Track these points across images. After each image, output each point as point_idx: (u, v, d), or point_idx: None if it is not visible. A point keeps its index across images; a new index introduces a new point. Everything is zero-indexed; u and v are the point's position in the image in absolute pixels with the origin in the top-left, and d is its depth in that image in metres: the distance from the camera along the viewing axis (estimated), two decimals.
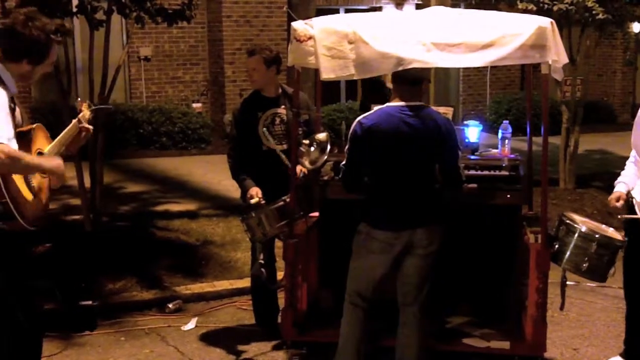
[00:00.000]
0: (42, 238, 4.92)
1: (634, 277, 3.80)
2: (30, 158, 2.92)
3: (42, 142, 3.10)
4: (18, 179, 2.91)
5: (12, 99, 2.96)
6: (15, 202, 2.85)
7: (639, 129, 3.76)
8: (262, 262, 4.23)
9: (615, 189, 3.84)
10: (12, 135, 2.84)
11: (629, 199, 3.79)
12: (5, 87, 2.92)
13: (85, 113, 3.36)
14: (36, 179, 3.03)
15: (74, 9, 5.84)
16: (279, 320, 4.31)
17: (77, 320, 4.66)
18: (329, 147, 4.04)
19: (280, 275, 4.52)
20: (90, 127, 3.33)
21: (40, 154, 3.05)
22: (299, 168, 4.14)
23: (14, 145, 2.82)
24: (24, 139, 2.96)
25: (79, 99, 3.51)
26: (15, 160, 2.80)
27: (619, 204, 3.76)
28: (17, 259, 3.03)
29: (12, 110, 2.93)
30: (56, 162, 3.05)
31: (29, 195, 2.96)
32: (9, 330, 3.04)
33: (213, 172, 8.75)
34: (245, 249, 5.60)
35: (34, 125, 3.07)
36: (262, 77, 4.37)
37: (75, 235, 5.72)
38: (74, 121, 3.29)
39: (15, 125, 2.93)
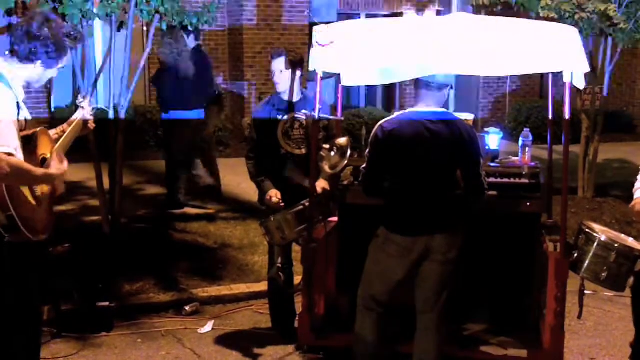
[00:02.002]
0: (61, 239, 4.96)
1: None
2: (36, 171, 2.87)
3: (46, 147, 3.08)
4: (23, 189, 2.88)
5: (17, 104, 2.94)
6: (21, 214, 2.82)
7: None
8: (280, 266, 4.25)
9: (636, 196, 3.82)
10: (17, 144, 2.81)
11: None
12: (13, 93, 2.90)
13: (87, 108, 3.36)
14: (40, 187, 3.00)
15: (95, 10, 5.88)
16: (296, 324, 4.31)
17: (95, 321, 4.68)
18: (349, 152, 4.04)
19: (297, 279, 4.52)
20: (92, 119, 3.33)
21: (44, 160, 3.02)
22: (319, 187, 4.14)
23: (19, 155, 2.80)
24: (28, 145, 2.94)
25: (80, 95, 3.51)
26: (20, 172, 2.77)
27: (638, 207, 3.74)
28: (28, 270, 3.01)
29: (17, 114, 2.91)
30: (61, 170, 3.00)
31: (33, 206, 2.93)
32: (22, 341, 3.04)
33: (232, 175, 8.76)
34: (263, 253, 5.61)
35: (37, 130, 3.04)
36: (286, 80, 4.37)
37: (93, 237, 5.76)
38: (78, 119, 3.29)
39: (20, 129, 2.91)
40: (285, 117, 4.41)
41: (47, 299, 4.46)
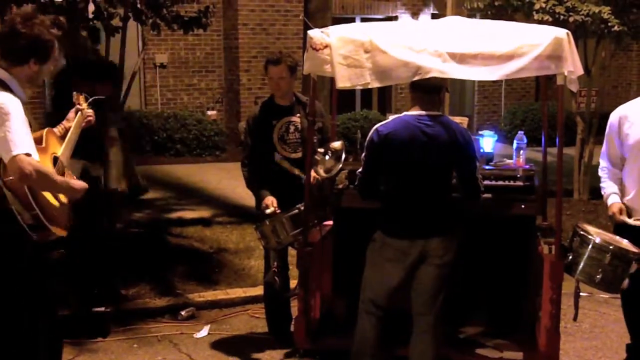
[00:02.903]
0: (57, 244, 4.94)
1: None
2: (58, 179, 2.93)
3: (55, 146, 3.13)
4: (45, 191, 2.93)
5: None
6: (46, 212, 2.87)
7: (614, 141, 3.84)
8: (276, 270, 4.24)
9: (610, 201, 3.84)
10: (33, 146, 2.85)
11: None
12: (17, 96, 2.91)
13: (84, 105, 3.39)
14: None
15: (91, 15, 5.91)
16: (292, 328, 4.31)
17: (90, 326, 4.67)
18: (344, 155, 4.05)
19: (293, 283, 4.52)
20: (91, 112, 3.37)
21: (56, 158, 3.07)
22: (313, 174, 4.14)
23: (35, 156, 2.83)
24: (38, 145, 2.97)
25: (75, 92, 3.49)
26: (41, 174, 2.81)
27: (623, 217, 3.77)
28: (41, 267, 3.05)
29: None
30: (79, 184, 3.08)
31: (56, 205, 2.98)
32: (33, 338, 3.06)
33: (228, 180, 8.79)
34: (259, 257, 5.61)
35: (44, 131, 3.09)
36: (287, 86, 4.38)
37: (89, 241, 5.74)
38: (78, 115, 3.31)
39: None
40: (281, 121, 4.41)
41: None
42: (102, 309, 4.74)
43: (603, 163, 3.97)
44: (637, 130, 3.76)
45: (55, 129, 3.29)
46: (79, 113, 3.33)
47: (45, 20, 3.03)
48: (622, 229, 3.82)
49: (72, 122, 3.32)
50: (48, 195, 2.96)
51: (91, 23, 6.10)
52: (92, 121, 3.37)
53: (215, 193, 8.58)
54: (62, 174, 3.11)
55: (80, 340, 4.57)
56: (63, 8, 5.63)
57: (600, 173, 4.00)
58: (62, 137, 3.27)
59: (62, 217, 3.01)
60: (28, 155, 2.78)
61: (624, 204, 3.82)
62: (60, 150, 3.15)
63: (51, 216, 2.91)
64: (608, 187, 3.92)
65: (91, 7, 5.97)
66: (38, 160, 2.83)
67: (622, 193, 3.85)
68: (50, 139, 3.11)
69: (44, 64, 3.03)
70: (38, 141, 2.99)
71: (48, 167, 2.92)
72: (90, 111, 3.37)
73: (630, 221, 3.74)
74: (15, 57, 2.96)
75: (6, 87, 2.91)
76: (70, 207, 3.13)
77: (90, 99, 3.49)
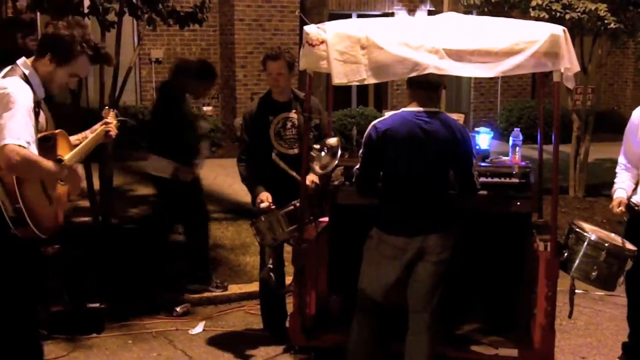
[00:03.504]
0: (52, 240, 4.93)
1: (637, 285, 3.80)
2: (47, 163, 2.89)
3: (64, 149, 3.08)
4: (35, 186, 2.90)
5: (38, 104, 2.96)
6: (30, 208, 2.83)
7: (632, 139, 3.88)
8: (271, 266, 4.23)
9: (615, 196, 3.87)
10: (32, 139, 2.83)
11: (630, 204, 3.82)
12: (33, 90, 2.93)
13: (113, 121, 3.36)
14: (55, 187, 3.01)
15: (86, 10, 5.87)
16: (287, 325, 4.30)
17: (85, 323, 4.66)
18: (339, 152, 4.04)
19: (289, 279, 4.51)
20: (116, 131, 3.33)
21: (60, 161, 3.03)
22: (309, 180, 4.13)
23: (33, 150, 2.82)
24: (46, 145, 2.95)
25: (107, 107, 3.50)
26: (30, 164, 2.79)
27: (620, 209, 3.79)
28: (29, 264, 3.02)
29: (37, 115, 2.93)
30: (73, 172, 3.05)
31: (45, 203, 2.94)
32: (17, 333, 3.04)
33: (224, 176, 8.75)
34: (255, 253, 5.59)
35: (56, 131, 3.06)
36: (286, 81, 4.37)
37: (83, 238, 5.73)
38: (100, 128, 3.28)
39: (38, 130, 2.93)
40: (277, 117, 4.40)
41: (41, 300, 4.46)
42: (97, 305, 4.73)
43: (621, 160, 4.01)
44: None
45: (72, 137, 3.26)
46: (102, 127, 3.29)
47: (80, 31, 3.04)
48: (632, 227, 3.81)
49: (93, 133, 3.29)
50: (38, 193, 2.92)
51: (86, 18, 6.07)
52: (112, 137, 3.32)
53: (210, 189, 8.52)
54: (66, 176, 3.05)
55: (75, 336, 4.57)
56: (58, 3, 5.60)
57: (617, 169, 4.02)
58: (78, 145, 3.22)
59: (48, 217, 2.96)
60: (20, 147, 2.76)
61: (634, 202, 3.82)
62: (69, 154, 3.10)
63: (35, 214, 2.87)
64: (617, 182, 3.95)
65: (86, 2, 5.94)
66: (33, 153, 2.80)
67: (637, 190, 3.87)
68: (61, 141, 3.07)
69: (59, 65, 3.02)
70: (45, 140, 2.97)
71: (41, 158, 2.86)
72: (113, 127, 3.31)
73: (619, 210, 3.77)
74: (38, 50, 3.04)
75: (27, 81, 2.95)
76: (61, 211, 3.08)
77: (121, 118, 3.46)
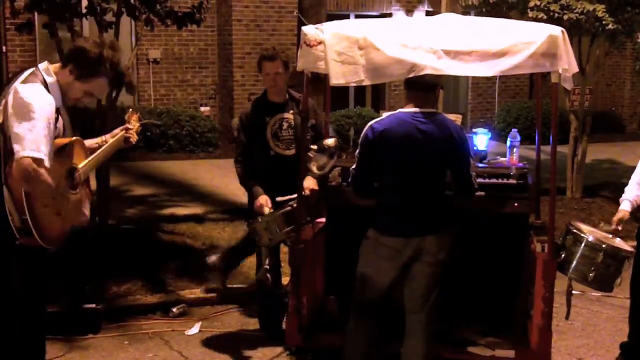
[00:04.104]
0: None
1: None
2: (50, 186, 2.83)
3: (79, 157, 3.05)
4: (44, 197, 2.86)
5: (57, 110, 2.95)
6: (37, 220, 2.81)
7: None
8: (268, 267, 4.22)
9: (620, 207, 3.87)
10: (48, 151, 2.79)
11: (636, 214, 3.82)
12: (52, 97, 2.90)
13: (135, 125, 3.33)
14: (65, 197, 2.96)
15: (84, 10, 5.86)
16: (284, 325, 4.29)
17: (81, 323, 4.65)
18: (337, 152, 4.03)
19: (285, 280, 4.50)
20: (136, 137, 3.30)
21: (74, 169, 3.00)
22: (307, 188, 4.12)
23: (47, 163, 2.79)
24: (61, 153, 2.93)
25: (130, 109, 3.46)
26: (39, 183, 2.76)
27: (620, 227, 3.79)
28: (35, 267, 3.00)
29: (55, 120, 2.91)
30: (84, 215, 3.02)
31: (52, 215, 2.90)
32: (26, 343, 3.03)
33: (221, 176, 8.76)
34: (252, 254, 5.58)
35: (73, 139, 3.02)
36: (283, 81, 4.37)
37: (80, 238, 5.71)
38: (121, 133, 3.25)
39: (56, 137, 2.91)
40: (274, 118, 4.39)
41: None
42: (93, 305, 4.72)
43: (639, 165, 3.99)
44: None
45: (92, 140, 3.23)
46: (122, 132, 3.26)
47: (118, 60, 3.03)
48: None
49: (114, 138, 3.26)
50: (47, 204, 2.88)
51: (84, 18, 6.06)
52: (132, 142, 3.30)
53: (207, 189, 8.55)
54: (75, 187, 3.03)
55: (71, 337, 4.55)
56: (56, 3, 5.59)
57: (633, 174, 4.01)
58: (96, 149, 3.20)
59: (54, 229, 2.92)
60: (38, 160, 2.74)
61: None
62: (84, 162, 3.07)
63: (42, 226, 2.84)
64: (625, 193, 3.94)
65: (84, 3, 5.93)
66: (47, 168, 2.78)
67: None
68: (76, 149, 3.04)
69: (78, 79, 2.99)
70: (61, 148, 2.95)
71: (49, 182, 2.80)
72: (134, 132, 3.28)
73: (606, 227, 3.81)
74: (63, 59, 3.03)
75: (47, 88, 2.93)
76: (69, 225, 3.02)
77: (143, 121, 3.43)
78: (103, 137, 3.27)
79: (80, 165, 3.04)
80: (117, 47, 3.06)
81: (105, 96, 5.92)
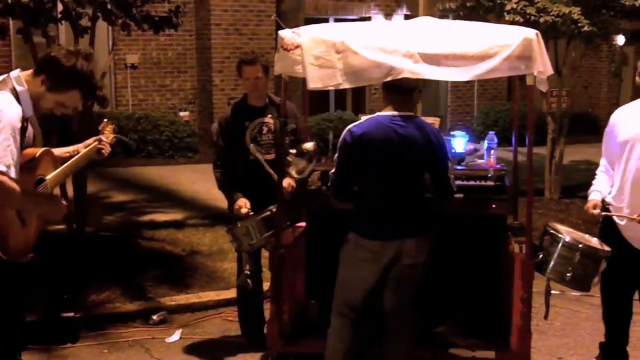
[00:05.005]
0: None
1: (612, 286, 3.83)
2: (18, 194, 2.72)
3: (47, 168, 2.97)
4: (8, 209, 2.78)
5: (26, 119, 2.87)
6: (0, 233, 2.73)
7: (609, 140, 3.90)
8: (248, 272, 4.21)
9: (590, 197, 3.91)
10: (13, 161, 2.71)
11: (604, 206, 3.86)
12: (21, 107, 2.82)
13: (109, 137, 3.27)
14: (30, 210, 2.88)
15: (59, 15, 5.80)
16: (265, 331, 4.27)
17: (60, 332, 4.59)
18: (316, 156, 4.03)
19: (266, 285, 4.49)
20: (110, 149, 3.23)
21: (41, 180, 2.93)
22: (287, 183, 4.12)
23: (12, 174, 2.71)
24: (29, 164, 2.86)
25: (105, 120, 3.39)
26: (2, 192, 2.67)
27: (596, 211, 3.83)
28: (5, 284, 2.93)
29: (24, 131, 2.83)
30: (49, 207, 2.89)
31: (17, 227, 2.83)
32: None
33: (202, 182, 8.71)
34: (233, 259, 5.55)
35: (42, 150, 2.94)
36: (264, 85, 4.36)
37: (57, 246, 5.66)
38: (94, 144, 3.18)
39: (25, 147, 2.84)
40: (254, 122, 4.38)
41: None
42: (72, 314, 4.67)
43: (602, 162, 4.03)
44: (625, 130, 3.81)
45: (63, 149, 3.16)
46: (95, 143, 3.19)
47: (92, 72, 2.95)
48: (606, 228, 3.86)
49: (86, 148, 3.18)
50: (11, 215, 2.80)
51: (59, 23, 6.01)
52: (104, 154, 3.22)
53: (187, 195, 8.51)
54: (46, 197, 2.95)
55: (49, 346, 4.49)
56: (30, 8, 5.53)
57: (596, 171, 4.06)
58: (68, 159, 3.12)
59: (18, 241, 2.85)
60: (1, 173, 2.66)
61: (604, 201, 3.87)
62: (53, 173, 3.00)
63: (4, 237, 2.76)
64: (594, 184, 3.98)
65: (59, 7, 5.88)
66: (12, 178, 2.70)
67: (611, 191, 3.92)
68: (44, 160, 2.96)
69: (49, 90, 2.90)
70: (30, 159, 2.87)
71: (15, 186, 2.71)
72: (107, 145, 3.21)
73: (595, 212, 3.81)
74: (36, 67, 2.94)
75: (16, 96, 2.85)
76: (34, 236, 2.96)
77: (118, 136, 3.33)
78: (75, 147, 3.20)
79: (48, 177, 2.97)
80: (92, 58, 2.98)
81: (82, 102, 5.89)
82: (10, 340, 3.03)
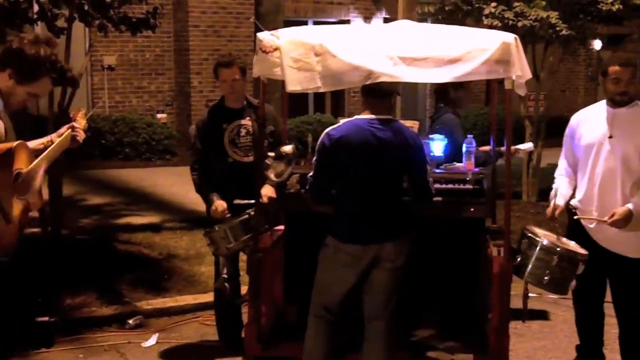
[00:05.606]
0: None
1: (583, 288, 3.86)
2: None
3: (23, 162, 2.91)
4: None
5: None
6: None
7: (570, 143, 3.99)
8: (226, 276, 4.18)
9: (555, 202, 3.96)
10: None
11: (570, 209, 3.89)
12: None
13: (81, 122, 3.22)
14: (12, 205, 2.85)
15: (34, 16, 5.73)
16: (243, 335, 4.24)
17: (34, 337, 4.53)
18: (295, 159, 4.01)
19: (244, 289, 4.45)
20: (84, 135, 3.18)
21: (19, 174, 2.88)
22: (265, 196, 4.09)
23: None
24: (4, 159, 2.80)
25: (77, 108, 3.35)
26: None
27: (557, 213, 3.90)
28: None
29: None
30: (30, 184, 2.87)
31: (2, 224, 2.80)
32: None
33: (179, 184, 8.65)
34: (210, 263, 5.51)
35: (14, 144, 2.88)
36: (242, 87, 4.34)
37: (32, 249, 5.58)
38: (67, 132, 3.13)
39: None
40: (231, 124, 4.35)
41: None
42: (47, 318, 4.61)
43: (561, 164, 4.11)
44: (589, 133, 3.86)
45: (37, 141, 3.10)
46: (69, 131, 3.13)
47: (48, 51, 2.91)
48: (573, 230, 3.90)
49: (60, 137, 3.12)
50: None
51: (35, 24, 5.93)
52: (79, 141, 3.16)
53: (165, 198, 8.44)
54: (23, 193, 2.90)
55: (24, 351, 4.42)
56: (5, 8, 5.45)
57: (555, 174, 4.10)
58: (43, 150, 3.05)
59: (3, 237, 2.82)
60: None
61: (573, 204, 3.90)
62: (30, 166, 2.93)
63: None
64: (554, 187, 4.04)
65: (35, 8, 5.81)
66: None
67: (575, 194, 3.95)
68: (20, 153, 2.90)
69: (19, 83, 2.87)
70: (3, 154, 2.81)
71: None
72: (81, 130, 3.15)
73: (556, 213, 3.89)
74: (1, 61, 2.90)
75: None
76: (20, 231, 2.94)
77: (90, 113, 3.30)
78: (49, 137, 3.15)
79: (26, 169, 2.92)
80: (54, 43, 2.95)
81: (58, 103, 5.81)
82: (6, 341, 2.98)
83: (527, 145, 5.66)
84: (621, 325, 3.98)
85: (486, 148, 4.62)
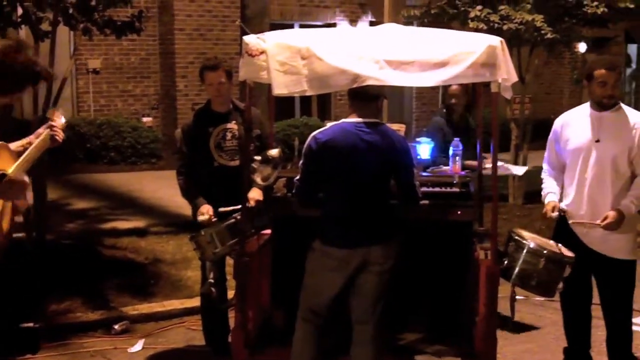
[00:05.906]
0: None
1: (570, 291, 3.87)
2: None
3: (6, 162, 2.90)
4: None
5: None
6: None
7: (555, 147, 4.02)
8: (212, 281, 4.15)
9: (547, 200, 3.96)
10: None
11: (558, 212, 3.92)
12: None
13: (59, 122, 3.19)
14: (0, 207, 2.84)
15: (18, 19, 5.68)
16: (230, 340, 4.21)
17: (19, 343, 4.49)
18: (281, 163, 3.99)
19: (231, 294, 4.43)
20: (62, 135, 3.15)
21: (3, 175, 2.86)
22: (252, 200, 4.07)
23: None
24: None
25: (52, 109, 3.33)
26: None
27: (555, 214, 3.88)
28: None
29: None
30: (18, 184, 2.85)
31: None
32: None
33: (166, 188, 8.59)
34: (197, 268, 5.48)
35: None
36: (228, 90, 4.32)
37: (17, 254, 5.52)
38: (46, 132, 3.10)
39: None
40: (217, 128, 4.33)
41: None
42: (32, 324, 4.57)
43: (545, 167, 4.13)
44: (575, 137, 3.87)
45: (16, 143, 3.07)
46: (47, 131, 3.10)
47: (34, 62, 2.89)
48: (560, 233, 3.91)
49: (39, 138, 3.09)
50: None
51: (19, 28, 5.88)
52: (59, 140, 3.13)
53: (151, 202, 8.39)
54: (12, 192, 2.89)
55: (8, 357, 4.38)
56: None
57: (542, 176, 4.11)
58: (22, 152, 3.03)
59: None
60: None
61: (562, 208, 3.92)
62: (12, 167, 2.92)
63: None
64: (546, 187, 4.04)
65: (19, 10, 5.76)
66: None
67: (563, 197, 3.96)
68: (2, 154, 2.89)
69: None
70: None
71: None
72: (59, 130, 3.12)
73: (554, 215, 3.86)
74: None
75: None
76: (8, 231, 2.91)
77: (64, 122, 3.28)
78: (27, 139, 3.12)
79: (9, 170, 2.90)
80: (24, 45, 2.90)
81: (41, 108, 5.77)
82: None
83: (521, 170, 5.65)
84: (608, 327, 4.00)
85: (473, 163, 4.63)
